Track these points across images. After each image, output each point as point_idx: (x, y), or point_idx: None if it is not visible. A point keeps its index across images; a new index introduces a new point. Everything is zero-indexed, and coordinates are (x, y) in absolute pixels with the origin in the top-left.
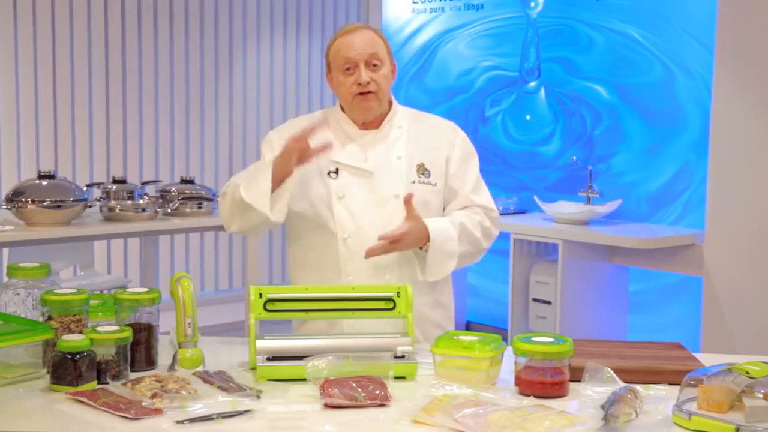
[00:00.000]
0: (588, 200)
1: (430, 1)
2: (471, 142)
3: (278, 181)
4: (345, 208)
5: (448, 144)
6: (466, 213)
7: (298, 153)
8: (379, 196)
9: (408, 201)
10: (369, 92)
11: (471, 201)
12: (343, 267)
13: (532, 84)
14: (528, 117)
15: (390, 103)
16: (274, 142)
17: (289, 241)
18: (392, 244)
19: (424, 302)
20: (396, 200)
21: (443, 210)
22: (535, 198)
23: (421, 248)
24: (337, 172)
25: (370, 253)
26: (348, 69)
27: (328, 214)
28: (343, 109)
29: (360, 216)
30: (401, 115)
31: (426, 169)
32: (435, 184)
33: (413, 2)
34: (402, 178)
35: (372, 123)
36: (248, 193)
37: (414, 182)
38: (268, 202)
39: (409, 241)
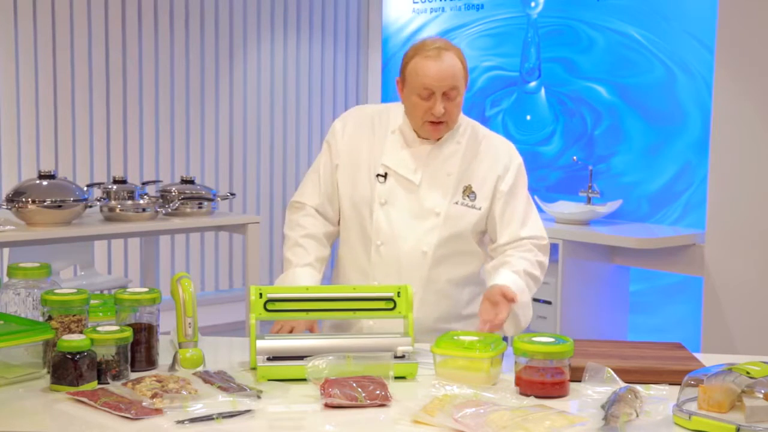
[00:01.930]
0: (588, 200)
1: (430, 1)
2: (525, 168)
3: None
4: (385, 215)
5: (503, 169)
6: (522, 255)
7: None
8: (420, 210)
9: (512, 299)
10: (441, 122)
11: (519, 236)
12: (371, 273)
13: (533, 84)
14: (528, 117)
15: None
16: (338, 133)
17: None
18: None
19: (445, 317)
20: (436, 218)
21: (481, 231)
22: (536, 198)
23: None
24: (385, 176)
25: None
26: (424, 97)
27: (367, 217)
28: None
29: (397, 226)
30: (462, 129)
31: (472, 192)
32: (479, 208)
33: (413, 2)
34: (447, 196)
35: None
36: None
37: (457, 203)
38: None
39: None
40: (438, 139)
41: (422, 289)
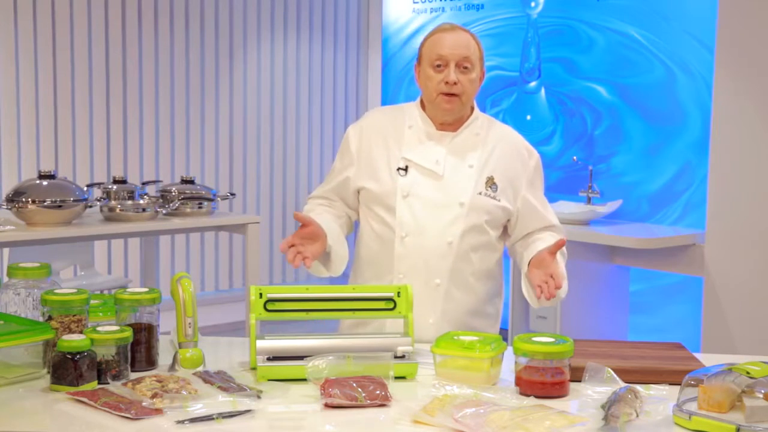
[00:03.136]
0: (588, 200)
1: (430, 1)
2: (542, 165)
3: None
4: (408, 207)
5: (522, 164)
6: (551, 233)
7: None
8: (443, 200)
9: (561, 244)
10: (454, 94)
11: (549, 222)
12: (397, 265)
13: (533, 84)
14: (528, 117)
15: (472, 109)
16: (351, 139)
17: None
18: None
19: (471, 310)
20: (460, 208)
21: (503, 226)
22: None
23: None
24: (406, 169)
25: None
26: (438, 65)
27: (390, 210)
28: (423, 106)
29: (422, 217)
30: (480, 122)
31: (494, 183)
32: (499, 200)
33: (413, 2)
34: (470, 186)
35: (450, 125)
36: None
37: (480, 193)
38: (324, 272)
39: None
40: (455, 129)
41: (448, 281)
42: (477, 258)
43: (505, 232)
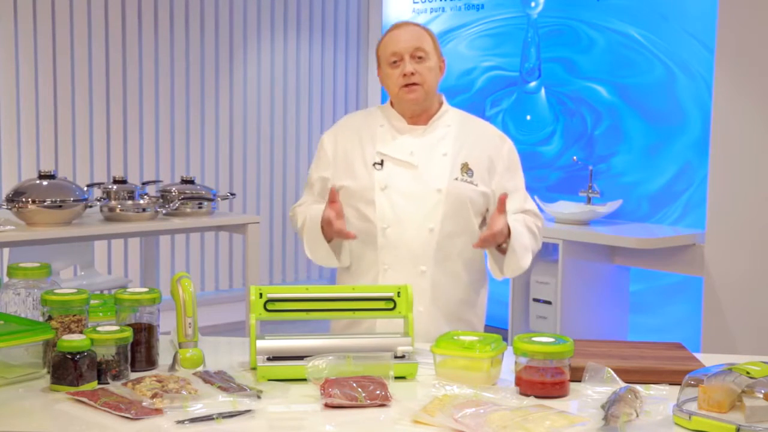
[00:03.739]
0: (588, 200)
1: (430, 1)
2: (517, 152)
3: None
4: (387, 199)
5: (495, 151)
6: (523, 214)
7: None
8: (421, 190)
9: (503, 200)
10: (414, 84)
11: (523, 207)
12: (380, 257)
13: (533, 84)
14: (528, 117)
15: (440, 103)
16: (326, 145)
17: None
18: (495, 237)
19: (459, 298)
20: (438, 194)
21: (481, 212)
22: (536, 198)
23: (498, 247)
24: (382, 163)
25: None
26: (394, 62)
27: (369, 205)
28: (393, 105)
29: (401, 208)
30: (451, 115)
31: (470, 169)
32: (476, 185)
33: (413, 2)
34: (446, 173)
35: (421, 118)
36: (314, 256)
37: (457, 179)
38: (334, 261)
39: (503, 235)
40: (425, 122)
41: (433, 267)
42: (460, 243)
43: (485, 222)
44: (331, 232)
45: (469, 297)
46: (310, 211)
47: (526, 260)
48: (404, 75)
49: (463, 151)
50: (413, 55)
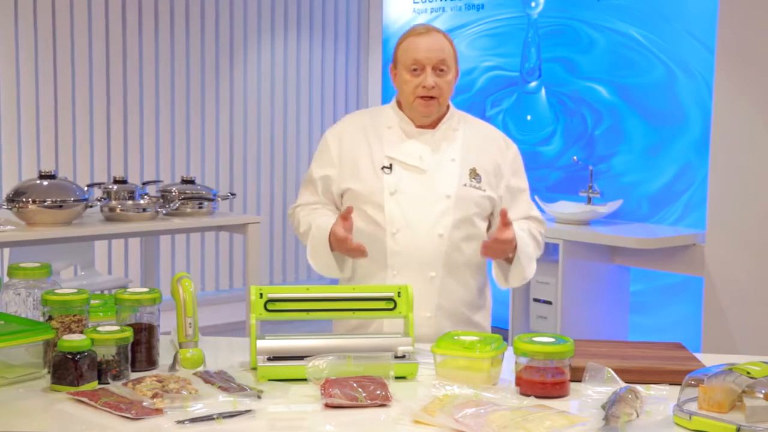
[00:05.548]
0: (589, 200)
1: (430, 1)
2: (521, 156)
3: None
4: (396, 203)
5: (501, 156)
6: (527, 222)
7: (346, 251)
8: (430, 195)
9: (505, 213)
10: (431, 97)
11: (528, 213)
12: (390, 261)
13: (533, 84)
14: (529, 117)
15: (447, 107)
16: (331, 143)
17: None
18: (504, 243)
19: (466, 303)
20: (447, 200)
21: (489, 217)
22: (536, 198)
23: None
24: (390, 167)
25: (484, 253)
26: (415, 70)
27: (378, 208)
28: (400, 105)
29: (410, 212)
30: (457, 119)
31: (477, 174)
32: (484, 191)
33: (414, 2)
34: (454, 179)
35: (428, 123)
36: (317, 265)
37: (465, 185)
38: (337, 272)
39: (511, 246)
40: (433, 126)
41: (442, 273)
42: (469, 249)
43: (491, 226)
44: (342, 248)
45: (476, 300)
46: (316, 219)
47: (531, 270)
48: (424, 87)
49: (471, 156)
50: (435, 67)
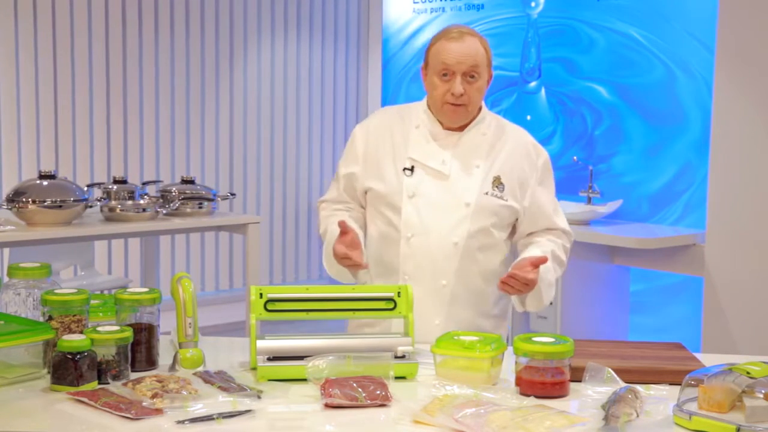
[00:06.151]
0: (589, 200)
1: (430, 1)
2: (551, 163)
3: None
4: (414, 207)
5: (529, 163)
6: (552, 238)
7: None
8: (450, 201)
9: (541, 260)
10: (460, 105)
11: (554, 224)
12: (402, 265)
13: (533, 84)
14: (529, 117)
15: (479, 109)
16: (358, 139)
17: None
18: (524, 283)
19: (479, 312)
20: (466, 208)
21: (512, 225)
22: None
23: None
24: (412, 169)
25: (501, 288)
26: (445, 75)
27: (395, 210)
28: (429, 105)
29: (427, 217)
30: (488, 122)
31: (501, 183)
32: (506, 200)
33: (413, 2)
34: (476, 187)
35: (457, 126)
36: (331, 272)
37: (487, 193)
38: (351, 279)
39: (528, 289)
40: (461, 129)
41: (454, 282)
42: (483, 258)
43: (513, 231)
44: (344, 264)
45: (488, 309)
46: (330, 224)
47: (549, 296)
48: (452, 94)
49: (497, 164)
50: (466, 73)
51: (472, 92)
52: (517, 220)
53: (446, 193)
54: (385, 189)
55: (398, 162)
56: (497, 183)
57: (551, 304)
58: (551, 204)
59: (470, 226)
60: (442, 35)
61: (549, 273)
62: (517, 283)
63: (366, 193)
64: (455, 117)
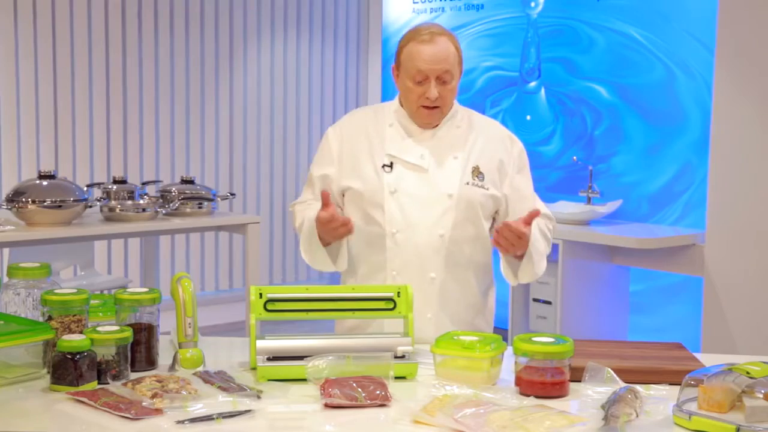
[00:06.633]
0: (588, 200)
1: (430, 1)
2: (526, 153)
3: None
4: (396, 203)
5: (505, 153)
6: (537, 219)
7: (334, 231)
8: (432, 194)
9: (534, 214)
10: (435, 107)
11: (536, 208)
12: (389, 262)
13: (533, 84)
14: (528, 117)
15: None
16: (331, 140)
17: None
18: (517, 236)
19: (468, 304)
20: (449, 199)
21: (493, 215)
22: None
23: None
24: (391, 165)
25: (495, 238)
26: (419, 81)
27: (378, 208)
28: (401, 103)
29: (411, 212)
30: (461, 116)
31: (480, 173)
32: (487, 189)
33: (413, 2)
34: (456, 178)
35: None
36: (311, 259)
37: (468, 183)
38: (330, 266)
39: (521, 243)
40: (434, 126)
41: (443, 274)
42: (470, 250)
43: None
44: (330, 232)
45: (478, 301)
46: (308, 211)
47: (542, 266)
48: (427, 98)
49: (474, 154)
50: (439, 77)
51: (446, 94)
52: (497, 212)
53: (427, 186)
54: (365, 187)
55: (376, 159)
56: (476, 173)
57: (550, 303)
58: (529, 191)
59: (455, 217)
60: (413, 36)
61: (539, 243)
62: (511, 236)
63: (344, 194)
64: (430, 119)
